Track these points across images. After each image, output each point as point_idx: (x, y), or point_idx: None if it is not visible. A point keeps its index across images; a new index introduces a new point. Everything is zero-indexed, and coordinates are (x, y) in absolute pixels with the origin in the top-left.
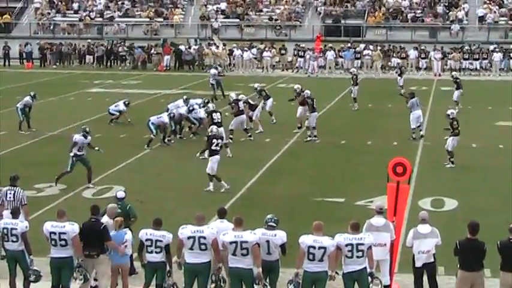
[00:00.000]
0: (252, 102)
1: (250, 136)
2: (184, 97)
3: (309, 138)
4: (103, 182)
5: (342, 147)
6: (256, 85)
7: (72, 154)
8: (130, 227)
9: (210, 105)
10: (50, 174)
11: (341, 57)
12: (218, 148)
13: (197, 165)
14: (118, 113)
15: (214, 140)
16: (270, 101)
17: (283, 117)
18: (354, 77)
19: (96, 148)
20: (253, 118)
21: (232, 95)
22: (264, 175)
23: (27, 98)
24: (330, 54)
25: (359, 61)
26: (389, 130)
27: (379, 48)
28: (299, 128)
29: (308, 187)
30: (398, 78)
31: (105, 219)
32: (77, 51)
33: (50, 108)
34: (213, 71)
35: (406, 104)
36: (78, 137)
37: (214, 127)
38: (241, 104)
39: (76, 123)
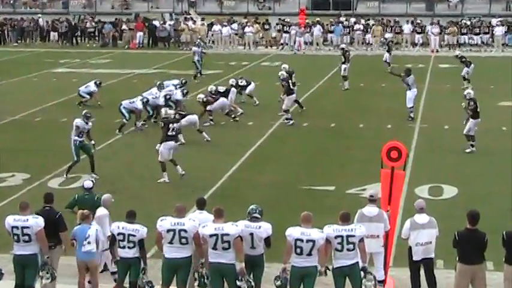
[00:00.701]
0: (221, 90)
1: (234, 118)
2: (157, 82)
3: (289, 122)
4: (71, 171)
5: (332, 130)
6: (231, 81)
7: (73, 140)
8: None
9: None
10: (12, 163)
11: (330, 32)
12: (174, 133)
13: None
14: (88, 96)
15: (170, 125)
16: (250, 87)
17: (267, 98)
18: (347, 53)
19: (92, 142)
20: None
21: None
22: (246, 161)
23: None
24: (317, 29)
25: (349, 36)
26: (383, 111)
27: (377, 22)
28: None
29: (295, 174)
30: (387, 54)
31: (101, 212)
32: (39, 27)
33: (11, 90)
34: (194, 48)
35: (403, 81)
36: (79, 121)
37: (167, 109)
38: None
39: (40, 107)
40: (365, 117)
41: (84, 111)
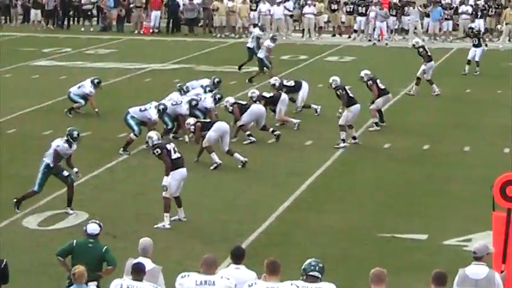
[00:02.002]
0: (267, 95)
1: (276, 134)
2: (178, 85)
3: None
4: (54, 205)
5: (424, 155)
6: (273, 80)
7: (43, 165)
8: (99, 280)
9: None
10: None
11: (426, 15)
12: (179, 154)
13: (197, 180)
14: (82, 101)
15: (168, 146)
16: (302, 92)
17: (333, 108)
18: (423, 52)
19: (75, 170)
20: (276, 116)
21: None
22: (302, 197)
23: None
24: (413, 12)
25: (449, 22)
26: (497, 129)
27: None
28: (376, 124)
29: (371, 216)
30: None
31: (148, 265)
32: (17, 2)
33: None
34: (257, 30)
35: None
36: (60, 144)
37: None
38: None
39: (14, 114)
40: (472, 137)
41: (70, 130)
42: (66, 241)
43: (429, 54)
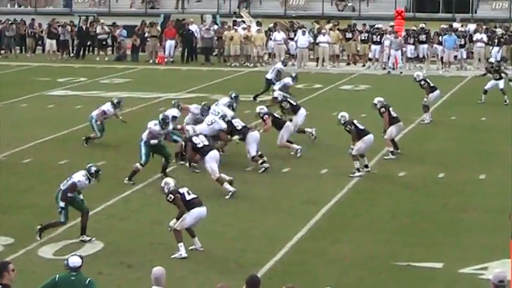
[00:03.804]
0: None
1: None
2: (203, 103)
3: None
4: (71, 234)
5: (439, 183)
6: (276, 94)
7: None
8: None
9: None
10: None
11: (439, 43)
12: (195, 195)
13: (213, 208)
14: (99, 133)
15: (181, 190)
16: (299, 117)
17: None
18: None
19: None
20: (278, 142)
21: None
22: (318, 226)
23: None
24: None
25: (462, 50)
26: None
27: None
28: (392, 153)
29: (387, 245)
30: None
31: None
32: (32, 32)
33: None
34: (279, 65)
35: None
36: (81, 179)
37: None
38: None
39: (30, 144)
40: (487, 166)
41: (89, 165)
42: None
43: (431, 85)
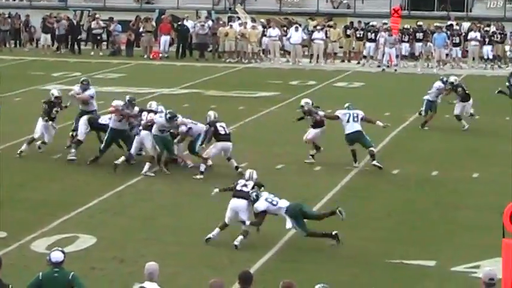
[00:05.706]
0: None
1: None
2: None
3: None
4: (64, 229)
5: (433, 181)
6: (303, 102)
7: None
8: None
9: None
10: None
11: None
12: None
13: (206, 203)
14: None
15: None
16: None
17: (341, 135)
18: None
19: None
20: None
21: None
22: (311, 223)
23: None
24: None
25: (457, 49)
26: (508, 156)
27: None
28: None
29: (380, 243)
30: None
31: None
32: (26, 27)
33: None
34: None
35: None
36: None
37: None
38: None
39: (23, 138)
40: (481, 164)
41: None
42: (75, 268)
43: (467, 92)
